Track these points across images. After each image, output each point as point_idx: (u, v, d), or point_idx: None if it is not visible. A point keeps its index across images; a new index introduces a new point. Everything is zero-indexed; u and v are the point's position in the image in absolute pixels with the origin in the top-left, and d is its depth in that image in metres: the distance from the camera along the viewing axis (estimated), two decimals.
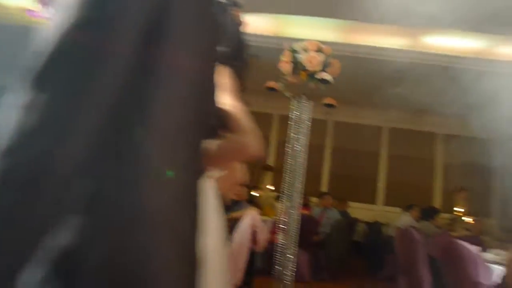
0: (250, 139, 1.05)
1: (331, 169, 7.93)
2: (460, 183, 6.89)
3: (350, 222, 6.13)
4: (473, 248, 2.31)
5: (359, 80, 4.53)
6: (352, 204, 7.02)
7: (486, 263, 2.38)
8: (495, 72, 5.06)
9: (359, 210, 7.16)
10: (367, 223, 6.60)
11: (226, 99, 1.08)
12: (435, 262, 2.58)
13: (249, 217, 2.57)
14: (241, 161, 1.16)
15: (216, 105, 1.00)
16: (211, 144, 0.98)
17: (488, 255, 2.70)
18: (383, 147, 7.95)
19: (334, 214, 5.67)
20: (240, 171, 1.36)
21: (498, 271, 2.40)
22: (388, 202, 7.61)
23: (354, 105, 7.04)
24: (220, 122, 1.04)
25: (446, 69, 5.06)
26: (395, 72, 5.15)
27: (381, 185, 7.82)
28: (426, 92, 5.66)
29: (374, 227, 6.26)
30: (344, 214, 6.22)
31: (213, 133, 1.00)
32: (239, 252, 2.48)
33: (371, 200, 7.75)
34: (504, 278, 2.24)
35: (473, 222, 5.80)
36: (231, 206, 3.11)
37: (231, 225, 2.67)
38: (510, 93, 4.25)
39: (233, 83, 1.13)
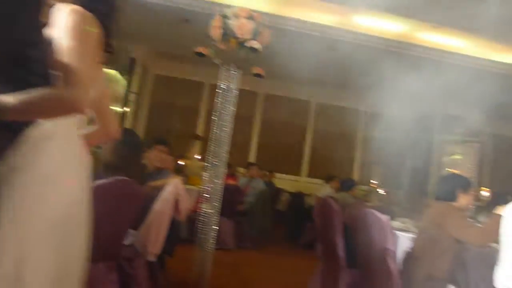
0: (73, 93, 0.95)
1: (259, 141, 8.05)
2: (375, 157, 7.41)
3: (274, 192, 6.32)
4: (383, 217, 2.46)
5: (289, 54, 4.56)
6: (278, 175, 7.24)
7: (393, 231, 2.57)
8: (414, 55, 5.41)
9: (284, 181, 7.41)
10: (291, 193, 6.85)
11: (61, 47, 0.97)
12: (350, 230, 2.73)
13: (172, 186, 2.50)
14: (62, 116, 1.01)
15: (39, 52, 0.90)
16: (23, 95, 0.89)
17: (396, 223, 2.94)
18: (310, 121, 8.22)
19: (259, 184, 5.79)
20: (113, 127, 1.28)
21: (403, 238, 2.63)
22: (312, 174, 7.96)
23: (284, 79, 7.14)
24: (47, 72, 0.95)
25: (372, 49, 5.29)
26: (324, 49, 5.28)
27: (306, 157, 8.13)
28: (352, 69, 5.90)
29: (297, 197, 6.52)
30: (270, 184, 6.39)
31: (31, 84, 0.90)
32: (160, 221, 2.42)
33: (296, 171, 8.05)
34: (413, 247, 2.43)
35: (385, 193, 6.31)
36: (154, 174, 3.01)
37: (154, 193, 2.59)
38: (425, 75, 4.58)
39: (79, 28, 1.02)
